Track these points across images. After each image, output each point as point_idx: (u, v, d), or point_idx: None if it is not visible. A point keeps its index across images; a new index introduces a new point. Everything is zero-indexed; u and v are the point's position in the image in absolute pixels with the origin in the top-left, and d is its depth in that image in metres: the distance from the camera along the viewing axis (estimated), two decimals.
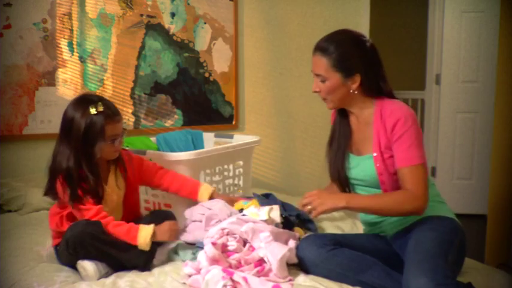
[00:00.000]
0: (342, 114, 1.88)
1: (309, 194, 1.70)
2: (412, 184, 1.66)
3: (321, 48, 1.75)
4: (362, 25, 3.87)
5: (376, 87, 1.78)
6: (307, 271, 1.67)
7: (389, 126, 1.71)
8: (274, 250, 1.61)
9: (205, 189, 1.99)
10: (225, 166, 2.29)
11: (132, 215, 1.94)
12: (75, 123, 1.71)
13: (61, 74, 2.75)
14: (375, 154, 1.75)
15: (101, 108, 1.73)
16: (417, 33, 4.89)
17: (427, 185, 1.69)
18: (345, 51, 1.72)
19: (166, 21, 3.05)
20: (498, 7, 3.10)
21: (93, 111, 1.71)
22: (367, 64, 1.74)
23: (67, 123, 1.74)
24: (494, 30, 3.95)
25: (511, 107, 2.90)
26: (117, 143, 1.81)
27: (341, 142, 1.86)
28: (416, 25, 4.92)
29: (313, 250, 1.65)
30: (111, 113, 1.76)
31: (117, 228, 1.68)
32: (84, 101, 1.75)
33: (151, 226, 1.69)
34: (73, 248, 1.63)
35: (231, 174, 2.32)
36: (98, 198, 1.76)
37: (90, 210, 1.70)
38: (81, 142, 1.71)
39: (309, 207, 1.68)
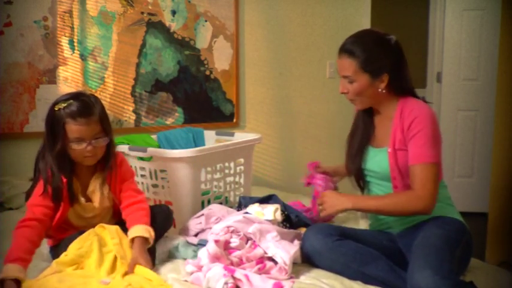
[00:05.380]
0: (366, 111, 1.90)
1: (323, 195, 1.81)
2: (419, 184, 1.68)
3: (347, 50, 1.77)
4: (363, 24, 3.86)
5: (402, 86, 1.80)
6: (310, 261, 1.68)
7: (406, 124, 1.73)
8: (286, 247, 1.62)
9: (134, 231, 1.70)
10: (226, 164, 2.29)
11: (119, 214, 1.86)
12: (45, 122, 1.71)
13: (62, 72, 2.75)
14: (389, 150, 1.77)
15: (66, 104, 1.67)
16: (418, 31, 4.88)
17: (436, 185, 1.70)
18: (372, 53, 1.74)
19: (167, 19, 3.05)
20: (499, 5, 3.09)
21: (57, 107, 1.68)
22: (393, 63, 1.76)
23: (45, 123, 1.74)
24: (495, 28, 3.94)
25: (511, 105, 2.90)
26: (82, 147, 1.69)
27: (363, 137, 1.89)
28: (417, 23, 4.91)
29: (318, 239, 1.66)
30: (75, 113, 1.66)
31: (14, 239, 1.61)
32: (57, 100, 1.72)
33: (12, 273, 1.49)
34: None
35: (231, 172, 2.32)
36: (58, 198, 1.70)
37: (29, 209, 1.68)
38: (48, 141, 1.70)
39: (320, 207, 1.80)
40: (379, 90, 1.77)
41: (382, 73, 1.75)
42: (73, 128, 1.67)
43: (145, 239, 1.68)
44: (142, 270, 1.57)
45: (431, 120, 1.71)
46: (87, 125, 1.68)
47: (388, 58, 1.76)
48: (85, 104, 1.70)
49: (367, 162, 1.87)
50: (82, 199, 1.77)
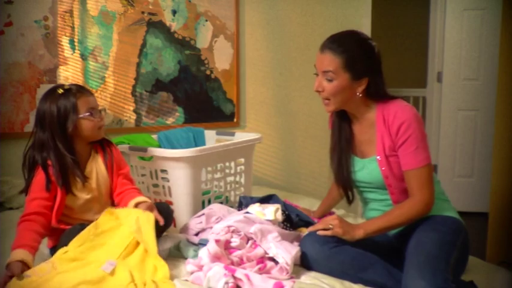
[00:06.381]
0: (342, 118, 1.86)
1: (331, 218, 1.69)
2: (418, 188, 1.68)
3: (332, 46, 1.72)
4: (363, 24, 3.87)
5: (379, 92, 1.76)
6: (308, 267, 1.67)
7: (393, 131, 1.71)
8: (288, 247, 1.62)
9: (138, 199, 1.81)
10: (227, 163, 2.29)
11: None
12: (47, 111, 1.72)
13: (62, 72, 2.75)
14: (378, 157, 1.75)
15: (67, 87, 1.75)
16: (418, 31, 4.90)
17: (433, 184, 1.70)
18: (357, 53, 1.70)
19: (167, 19, 3.05)
20: (499, 5, 3.09)
21: (60, 91, 1.73)
22: (374, 69, 1.73)
23: (40, 116, 1.73)
24: (496, 28, 3.95)
25: (511, 105, 2.90)
26: (97, 117, 1.79)
27: (344, 146, 1.85)
28: (418, 23, 4.93)
29: (315, 247, 1.65)
30: (79, 88, 1.78)
31: (18, 232, 1.62)
32: (50, 91, 1.77)
33: (17, 256, 1.52)
34: None
35: (232, 171, 2.32)
36: (67, 184, 1.73)
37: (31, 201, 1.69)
38: (57, 124, 1.71)
39: (330, 226, 1.67)
40: (357, 93, 1.73)
41: (362, 76, 1.71)
42: (88, 100, 1.78)
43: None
44: (155, 263, 1.59)
45: (417, 122, 1.69)
46: (93, 96, 1.82)
47: (371, 63, 1.73)
48: (76, 84, 1.84)
49: (356, 173, 1.83)
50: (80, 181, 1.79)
